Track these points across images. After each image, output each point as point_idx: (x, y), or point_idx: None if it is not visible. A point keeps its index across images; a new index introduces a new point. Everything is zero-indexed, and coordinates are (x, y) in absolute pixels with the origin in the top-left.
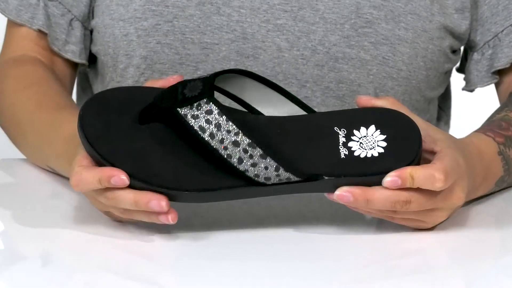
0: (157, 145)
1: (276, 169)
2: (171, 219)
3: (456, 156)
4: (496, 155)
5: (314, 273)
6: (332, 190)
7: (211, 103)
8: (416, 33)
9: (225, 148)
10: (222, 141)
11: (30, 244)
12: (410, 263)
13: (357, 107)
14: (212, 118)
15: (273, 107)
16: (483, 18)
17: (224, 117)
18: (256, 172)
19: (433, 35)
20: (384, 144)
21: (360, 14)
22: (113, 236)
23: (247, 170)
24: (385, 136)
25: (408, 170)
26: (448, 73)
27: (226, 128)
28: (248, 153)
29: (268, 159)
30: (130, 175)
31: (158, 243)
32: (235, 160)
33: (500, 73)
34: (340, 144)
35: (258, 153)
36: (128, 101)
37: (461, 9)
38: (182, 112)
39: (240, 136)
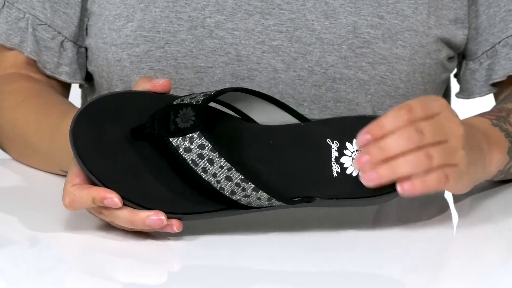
0: (149, 162)
1: (269, 200)
2: (176, 228)
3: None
4: (492, 126)
5: (313, 272)
6: (323, 207)
7: (203, 137)
8: (414, 49)
9: (218, 182)
10: (215, 175)
11: (17, 234)
12: (409, 262)
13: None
14: (205, 153)
15: (266, 114)
16: (481, 27)
17: (216, 153)
18: (248, 201)
19: (430, 49)
20: None
21: (358, 34)
22: (108, 233)
23: (240, 200)
24: None
25: (377, 124)
26: (445, 81)
27: (219, 164)
28: (241, 187)
29: (260, 192)
30: (123, 197)
31: (151, 240)
32: (227, 192)
33: (498, 84)
34: (333, 159)
35: (251, 187)
36: (120, 109)
37: (456, 19)
38: (175, 144)
39: (232, 172)
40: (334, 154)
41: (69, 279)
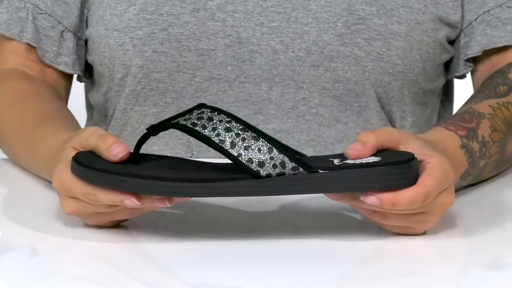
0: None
1: (270, 151)
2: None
3: (445, 165)
4: (459, 148)
5: (311, 273)
6: (328, 187)
7: (202, 108)
8: (410, 26)
9: (218, 135)
10: (214, 129)
11: (20, 238)
12: (403, 264)
13: None
14: (204, 116)
15: None
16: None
17: (216, 112)
18: (250, 156)
19: (427, 27)
20: (379, 158)
21: (352, 11)
22: (110, 237)
23: (240, 155)
24: (380, 158)
25: (389, 200)
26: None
27: (217, 119)
28: (241, 136)
29: (261, 141)
30: (128, 175)
31: (152, 244)
32: (227, 144)
33: (474, 62)
34: (335, 162)
35: (251, 135)
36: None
37: None
38: (175, 121)
39: (232, 123)
40: (336, 161)
41: (70, 281)
